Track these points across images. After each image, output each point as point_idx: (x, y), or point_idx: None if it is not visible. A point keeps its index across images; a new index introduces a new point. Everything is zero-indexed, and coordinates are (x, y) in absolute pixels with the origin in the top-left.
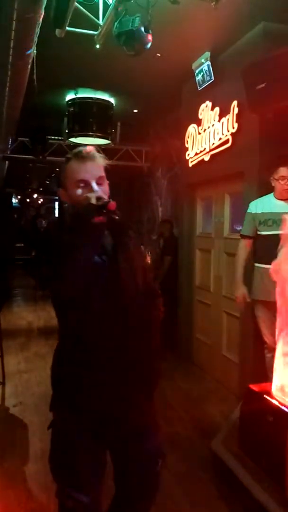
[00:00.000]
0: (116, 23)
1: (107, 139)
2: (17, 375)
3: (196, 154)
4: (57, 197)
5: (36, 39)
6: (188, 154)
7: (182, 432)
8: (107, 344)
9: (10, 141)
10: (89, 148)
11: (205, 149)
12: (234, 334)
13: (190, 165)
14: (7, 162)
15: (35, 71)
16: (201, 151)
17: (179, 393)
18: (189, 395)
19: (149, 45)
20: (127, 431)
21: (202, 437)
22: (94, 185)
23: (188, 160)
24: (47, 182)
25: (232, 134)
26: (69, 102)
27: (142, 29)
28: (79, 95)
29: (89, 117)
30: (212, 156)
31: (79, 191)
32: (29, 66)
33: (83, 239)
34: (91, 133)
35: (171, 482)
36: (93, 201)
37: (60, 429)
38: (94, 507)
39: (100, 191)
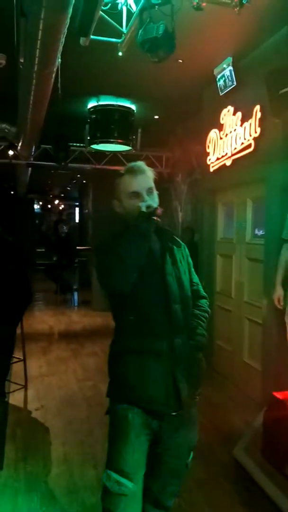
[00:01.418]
0: (140, 31)
1: (128, 145)
2: (39, 379)
3: (218, 159)
4: (77, 203)
5: (61, 48)
6: (209, 159)
7: (203, 438)
8: (159, 341)
9: (33, 149)
10: (139, 163)
11: (226, 154)
12: (256, 341)
13: (211, 170)
14: (30, 168)
15: (59, 79)
16: (222, 156)
17: (200, 399)
18: (210, 401)
19: (172, 52)
20: (179, 423)
21: (223, 443)
22: (145, 196)
23: (209, 165)
24: (68, 188)
25: (254, 138)
26: (91, 110)
27: (166, 36)
28: (101, 102)
29: (110, 124)
30: (234, 161)
31: (132, 201)
32: (54, 75)
33: (140, 239)
34: (112, 140)
35: (193, 488)
36: (144, 209)
37: (115, 415)
38: (137, 494)
39: (150, 200)
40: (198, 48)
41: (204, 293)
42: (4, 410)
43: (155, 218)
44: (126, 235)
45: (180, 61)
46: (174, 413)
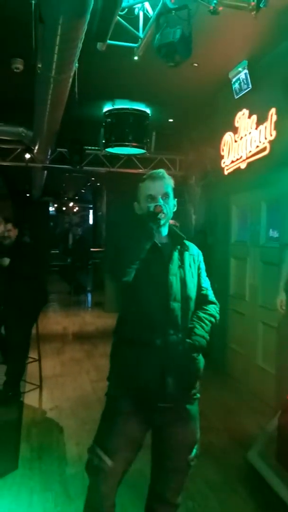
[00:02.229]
0: (157, 35)
1: (143, 148)
2: (53, 379)
3: (232, 162)
4: (91, 206)
5: (78, 53)
6: (224, 162)
7: (216, 442)
8: (158, 339)
9: (49, 152)
10: (159, 170)
11: (241, 157)
12: (271, 345)
13: (225, 173)
14: (45, 172)
15: (76, 84)
16: (237, 159)
17: (212, 403)
18: (223, 404)
19: (189, 56)
20: (173, 417)
21: (237, 447)
22: (160, 200)
23: (223, 168)
24: (83, 191)
25: (269, 141)
26: (106, 113)
27: (183, 40)
28: (116, 106)
29: (125, 128)
30: (248, 163)
31: (148, 203)
32: (70, 80)
33: (143, 240)
34: (127, 143)
35: (206, 492)
36: (152, 208)
37: (109, 397)
38: (115, 472)
39: (163, 204)
40: (213, 52)
41: (214, 299)
42: (19, 409)
43: (160, 217)
44: (129, 230)
45: (196, 64)
46: (162, 405)
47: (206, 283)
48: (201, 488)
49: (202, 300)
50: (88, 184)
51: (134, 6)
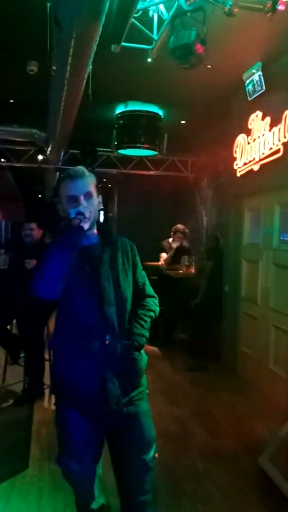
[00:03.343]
0: (172, 37)
1: (155, 150)
2: None
3: (245, 164)
4: (102, 207)
5: (93, 55)
6: (236, 164)
7: (226, 445)
8: (94, 339)
9: (61, 153)
10: (78, 168)
11: (254, 159)
12: (282, 348)
13: (238, 175)
14: (58, 173)
15: (90, 86)
16: (250, 161)
17: (223, 406)
18: (233, 408)
19: (203, 58)
20: (119, 417)
21: (247, 451)
22: (82, 200)
23: (236, 170)
24: None
25: (283, 143)
26: (119, 115)
27: (198, 42)
28: (128, 108)
29: (137, 129)
30: (261, 166)
31: (70, 205)
32: (84, 81)
33: (66, 248)
34: (139, 145)
35: (217, 495)
36: (73, 215)
37: (57, 407)
38: (84, 473)
39: (86, 205)
40: (227, 54)
41: (152, 292)
42: (29, 409)
43: (81, 225)
44: (52, 246)
45: (209, 66)
46: (107, 409)
47: (141, 276)
48: (211, 492)
49: (139, 295)
50: (99, 185)
51: (148, 8)
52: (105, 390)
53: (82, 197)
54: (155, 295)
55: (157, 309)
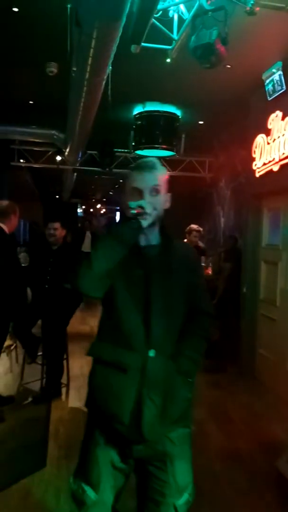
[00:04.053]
0: (193, 37)
1: (172, 150)
2: (80, 378)
3: (264, 164)
4: (118, 208)
5: (112, 56)
6: (255, 164)
7: (244, 447)
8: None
9: (80, 154)
10: (149, 159)
11: (274, 159)
12: None
13: (257, 175)
14: (75, 174)
15: (109, 87)
16: (269, 161)
17: (240, 407)
18: (251, 410)
19: (225, 58)
20: (152, 453)
21: (265, 454)
22: (147, 195)
23: (255, 170)
24: (111, 193)
25: None
26: (137, 116)
27: (219, 42)
28: (146, 109)
29: (155, 130)
30: (281, 166)
31: (132, 198)
32: (104, 82)
33: (116, 242)
34: (156, 146)
35: (234, 497)
36: (133, 210)
37: (87, 425)
38: (101, 503)
39: (150, 200)
40: (247, 53)
41: (209, 309)
42: (47, 407)
43: (139, 220)
44: (102, 238)
45: (229, 66)
46: (138, 439)
47: (200, 290)
48: (228, 493)
49: (194, 310)
50: (116, 186)
51: (168, 8)
52: (140, 414)
53: (147, 191)
54: (212, 312)
55: (210, 329)
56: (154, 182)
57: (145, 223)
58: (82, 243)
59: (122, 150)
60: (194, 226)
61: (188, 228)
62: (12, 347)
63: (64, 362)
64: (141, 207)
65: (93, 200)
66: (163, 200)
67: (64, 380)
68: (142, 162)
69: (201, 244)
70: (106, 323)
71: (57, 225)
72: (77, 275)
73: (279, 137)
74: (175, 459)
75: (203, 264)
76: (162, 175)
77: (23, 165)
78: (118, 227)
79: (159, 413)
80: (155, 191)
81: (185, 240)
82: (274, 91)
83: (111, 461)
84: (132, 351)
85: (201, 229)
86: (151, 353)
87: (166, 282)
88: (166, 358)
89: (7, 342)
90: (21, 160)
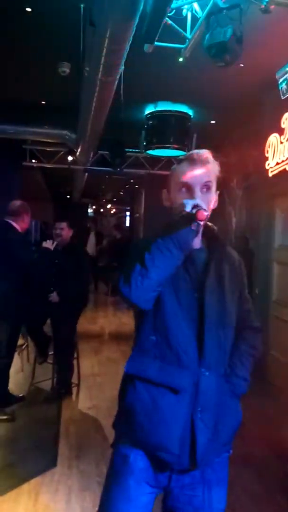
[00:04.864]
0: (207, 35)
1: (184, 150)
2: (91, 378)
3: (277, 163)
4: (128, 208)
5: (125, 55)
6: (268, 164)
7: (256, 452)
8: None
9: (91, 154)
10: (203, 151)
11: (287, 158)
12: None
13: (270, 175)
14: (86, 174)
15: (122, 86)
16: (283, 161)
17: (251, 411)
18: (263, 414)
19: (239, 56)
20: (195, 478)
21: (278, 458)
22: (198, 191)
23: (268, 170)
24: (121, 193)
25: None
26: (148, 115)
27: (234, 40)
28: (158, 108)
29: (167, 130)
30: None
31: (180, 195)
32: (116, 82)
33: (175, 247)
34: (168, 145)
35: (247, 503)
36: (188, 208)
37: (116, 451)
38: None
39: (202, 198)
40: (260, 51)
41: (257, 324)
42: (58, 407)
43: (200, 222)
44: (157, 241)
45: (242, 65)
46: (186, 470)
47: (248, 303)
48: (241, 498)
49: (244, 326)
50: (127, 186)
51: (182, 7)
52: (192, 440)
53: (198, 188)
54: (261, 328)
55: (260, 348)
56: (207, 178)
57: (202, 223)
58: (86, 243)
59: (133, 150)
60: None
61: None
62: (23, 347)
63: (75, 361)
64: (197, 206)
65: (104, 200)
66: (213, 199)
67: (75, 379)
68: (194, 154)
69: None
70: (147, 334)
71: (63, 225)
72: (130, 284)
73: None
74: (213, 486)
75: None
76: (215, 171)
77: (35, 165)
78: (177, 229)
79: (211, 437)
80: (207, 188)
81: None
82: None
83: (145, 496)
84: (184, 369)
85: (215, 227)
86: (204, 371)
87: (220, 291)
88: (219, 377)
89: (19, 342)
90: (33, 160)
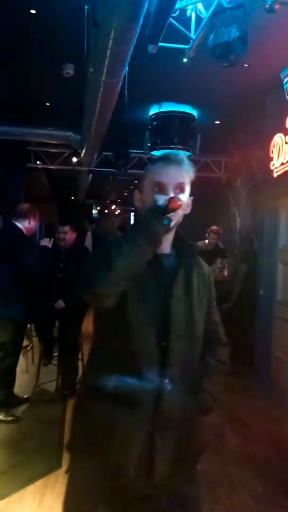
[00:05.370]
0: (211, 35)
1: (188, 151)
2: None
3: (282, 164)
4: (132, 209)
5: (129, 56)
6: (273, 164)
7: (259, 452)
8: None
9: (95, 155)
10: (177, 152)
11: None
12: None
13: (274, 175)
14: (90, 175)
15: (126, 87)
16: (287, 161)
17: (255, 412)
18: (267, 414)
19: (244, 56)
20: (159, 500)
21: (282, 459)
22: (170, 192)
23: (272, 170)
24: (125, 194)
25: None
26: (152, 116)
27: (239, 40)
28: (162, 109)
29: (171, 130)
30: None
31: (154, 194)
32: (120, 83)
33: (144, 246)
34: (172, 146)
35: (250, 502)
36: (160, 202)
37: (71, 475)
38: None
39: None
40: (265, 51)
41: (225, 339)
42: (62, 408)
43: (169, 216)
44: (127, 234)
45: (246, 65)
46: (144, 495)
47: (217, 315)
48: (244, 499)
49: (211, 339)
50: (131, 187)
51: (186, 7)
52: (152, 462)
53: (171, 188)
54: (228, 343)
55: (227, 363)
56: (181, 179)
57: (172, 222)
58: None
59: (138, 151)
60: (213, 227)
61: (209, 229)
62: (28, 348)
63: (79, 363)
64: (175, 198)
65: (108, 201)
66: (186, 203)
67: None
68: (170, 155)
69: (221, 245)
70: (106, 344)
71: (67, 228)
72: (90, 277)
73: None
74: (187, 501)
75: (219, 266)
76: (189, 174)
77: (39, 166)
78: (147, 221)
79: (173, 459)
80: (180, 189)
81: (206, 241)
82: None
83: None
84: (144, 381)
85: (221, 231)
86: (167, 385)
87: (187, 299)
88: (184, 391)
89: (23, 343)
90: (38, 162)
